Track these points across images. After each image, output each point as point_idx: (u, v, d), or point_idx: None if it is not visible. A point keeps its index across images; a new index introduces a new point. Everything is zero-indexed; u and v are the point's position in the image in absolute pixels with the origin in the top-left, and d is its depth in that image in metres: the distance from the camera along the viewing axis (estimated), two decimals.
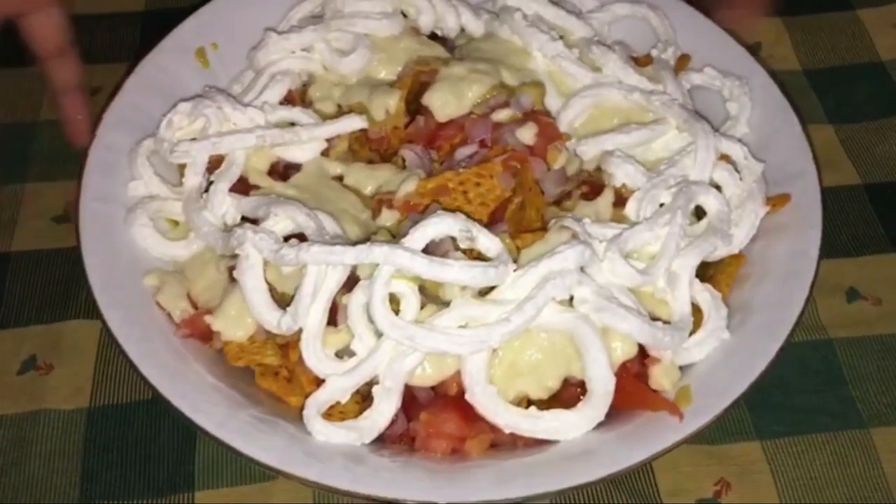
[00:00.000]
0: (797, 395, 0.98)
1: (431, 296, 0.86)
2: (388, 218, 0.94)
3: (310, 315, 0.85)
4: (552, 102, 1.04)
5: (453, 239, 0.85)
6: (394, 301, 0.83)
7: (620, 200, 0.95)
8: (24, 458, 0.93)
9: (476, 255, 0.86)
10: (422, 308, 0.84)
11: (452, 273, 0.81)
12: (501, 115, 0.98)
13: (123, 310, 0.88)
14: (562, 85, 1.05)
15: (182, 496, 0.91)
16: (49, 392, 0.97)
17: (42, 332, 1.01)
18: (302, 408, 0.86)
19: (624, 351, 0.83)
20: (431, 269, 0.81)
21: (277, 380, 0.89)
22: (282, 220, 0.89)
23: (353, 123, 1.02)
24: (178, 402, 0.81)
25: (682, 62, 1.11)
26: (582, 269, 0.84)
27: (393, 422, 0.84)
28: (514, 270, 0.84)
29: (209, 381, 0.85)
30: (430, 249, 0.84)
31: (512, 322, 0.81)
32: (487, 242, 0.85)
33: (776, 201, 0.96)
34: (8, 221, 1.11)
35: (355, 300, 0.84)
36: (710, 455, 0.94)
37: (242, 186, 0.97)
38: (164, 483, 0.92)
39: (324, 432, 0.82)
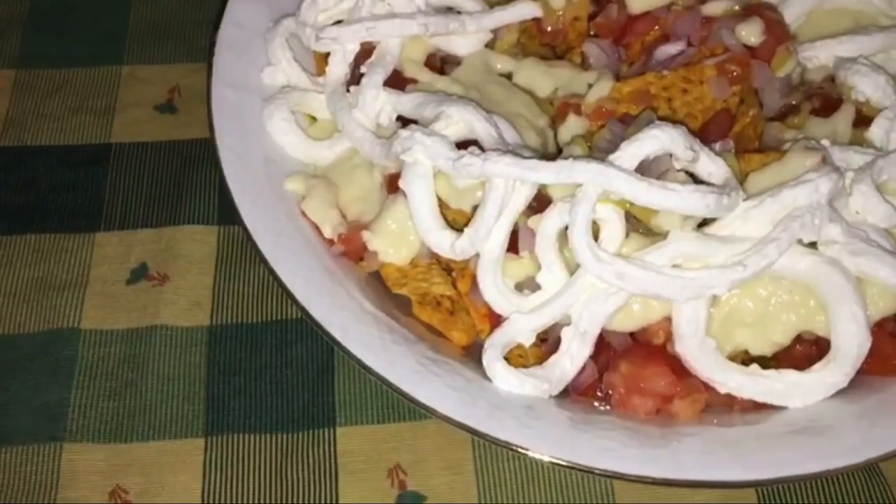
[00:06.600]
0: None
1: (636, 223, 0.71)
2: (575, 127, 0.79)
3: (491, 238, 0.71)
4: None
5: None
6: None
7: (859, 119, 0.78)
8: (139, 380, 0.80)
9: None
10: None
11: (678, 200, 0.67)
12: (714, 8, 0.82)
13: (268, 220, 0.74)
14: None
15: (321, 432, 0.78)
16: (164, 306, 0.84)
17: (152, 237, 0.88)
18: (465, 346, 0.75)
19: (883, 305, 0.68)
20: (651, 195, 0.67)
21: (439, 311, 0.76)
22: (454, 124, 0.74)
23: (526, 11, 0.87)
24: (341, 335, 0.68)
25: None
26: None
27: (581, 370, 0.71)
28: (744, 199, 0.69)
29: (370, 311, 0.72)
30: (642, 168, 0.69)
31: (748, 268, 0.66)
32: (711, 165, 0.70)
33: None
34: (105, 108, 0.97)
35: (548, 224, 0.70)
36: None
37: (395, 81, 0.82)
38: (301, 416, 0.79)
39: (508, 381, 0.69)
